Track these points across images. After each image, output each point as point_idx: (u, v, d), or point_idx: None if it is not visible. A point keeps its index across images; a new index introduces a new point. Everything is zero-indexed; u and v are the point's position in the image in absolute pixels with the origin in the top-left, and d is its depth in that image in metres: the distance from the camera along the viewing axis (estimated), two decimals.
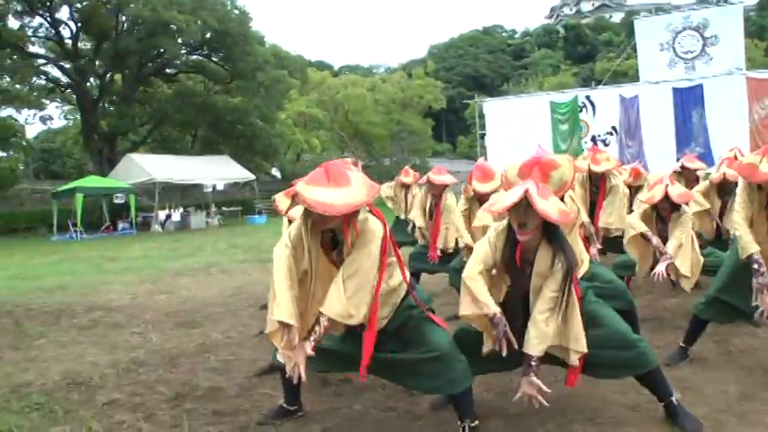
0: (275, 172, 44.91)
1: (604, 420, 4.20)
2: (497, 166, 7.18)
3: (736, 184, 6.36)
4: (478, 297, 3.78)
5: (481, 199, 6.81)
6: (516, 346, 3.77)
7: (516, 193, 3.69)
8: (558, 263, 3.79)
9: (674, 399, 4.10)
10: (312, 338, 3.57)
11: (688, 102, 22.86)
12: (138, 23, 33.56)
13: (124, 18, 34.03)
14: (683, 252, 6.08)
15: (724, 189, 7.49)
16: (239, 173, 33.94)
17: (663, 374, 4.12)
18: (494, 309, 3.75)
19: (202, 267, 13.53)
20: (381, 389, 4.83)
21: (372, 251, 3.69)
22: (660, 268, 5.85)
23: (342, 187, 3.53)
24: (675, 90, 23.05)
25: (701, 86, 22.79)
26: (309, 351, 3.53)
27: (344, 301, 3.58)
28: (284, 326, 3.52)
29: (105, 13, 33.09)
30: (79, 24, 34.10)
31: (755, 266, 4.65)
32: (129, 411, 4.70)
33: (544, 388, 3.74)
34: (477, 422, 3.96)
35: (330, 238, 3.84)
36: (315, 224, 3.69)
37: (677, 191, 6.14)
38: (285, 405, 4.39)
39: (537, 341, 3.77)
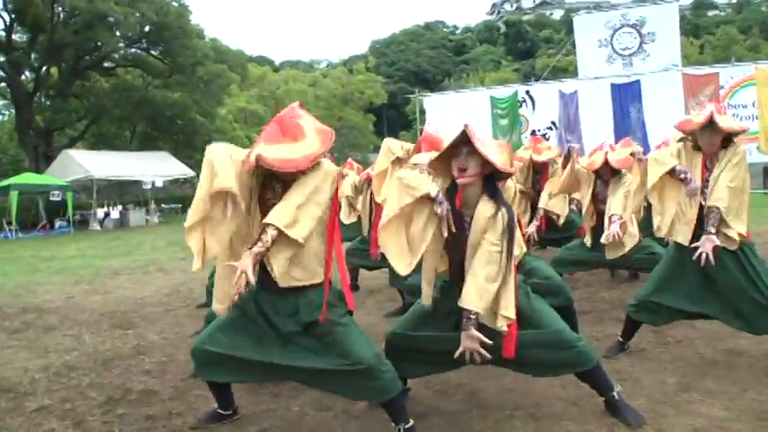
0: None
1: (544, 415, 4.19)
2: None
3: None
4: (411, 183, 3.69)
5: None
6: (454, 229, 3.70)
7: (456, 134, 3.70)
8: (498, 214, 3.72)
9: (614, 393, 4.10)
10: (258, 247, 3.38)
11: (626, 97, 23.21)
12: (74, 15, 32.67)
13: (60, 9, 33.11)
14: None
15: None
16: (179, 169, 33.44)
17: (602, 370, 4.11)
18: (430, 187, 3.66)
19: (140, 266, 13.30)
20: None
21: (328, 181, 3.62)
22: (614, 228, 5.94)
23: (298, 141, 3.54)
24: (614, 86, 23.37)
25: (638, 82, 23.14)
26: (255, 259, 3.35)
27: (293, 210, 3.45)
28: (226, 196, 3.35)
29: (40, 4, 32.19)
30: (13, 16, 33.19)
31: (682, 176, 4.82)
32: (59, 418, 4.53)
33: (485, 340, 3.63)
34: (411, 422, 3.87)
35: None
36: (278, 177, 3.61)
37: (616, 156, 6.31)
38: (220, 410, 4.26)
39: (476, 296, 3.64)
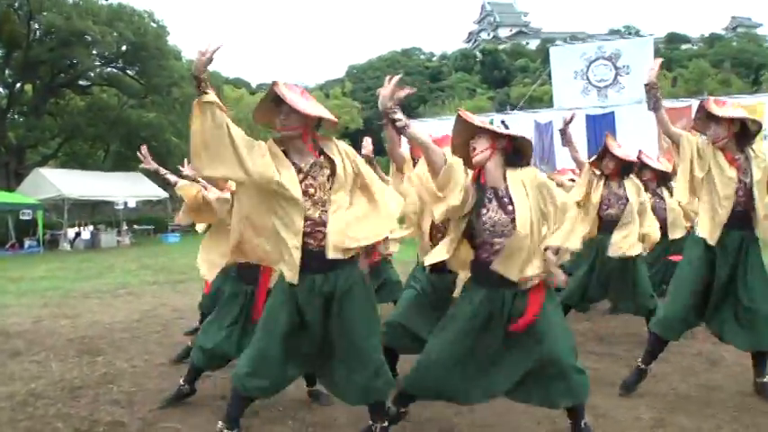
0: None
1: None
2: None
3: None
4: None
5: None
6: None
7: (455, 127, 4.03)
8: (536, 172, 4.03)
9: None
10: None
11: (600, 128, 23.30)
12: (50, 32, 32.48)
13: (37, 26, 32.91)
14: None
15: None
16: (152, 190, 33.15)
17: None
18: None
19: (110, 289, 13.10)
20: (291, 421, 4.66)
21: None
22: None
23: (311, 102, 3.90)
24: (588, 117, 23.52)
25: (612, 114, 23.35)
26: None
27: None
28: None
29: (17, 20, 32.08)
30: None
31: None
32: None
33: None
34: (386, 423, 4.10)
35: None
36: (281, 125, 3.87)
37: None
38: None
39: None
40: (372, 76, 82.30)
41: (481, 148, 3.94)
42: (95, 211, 34.96)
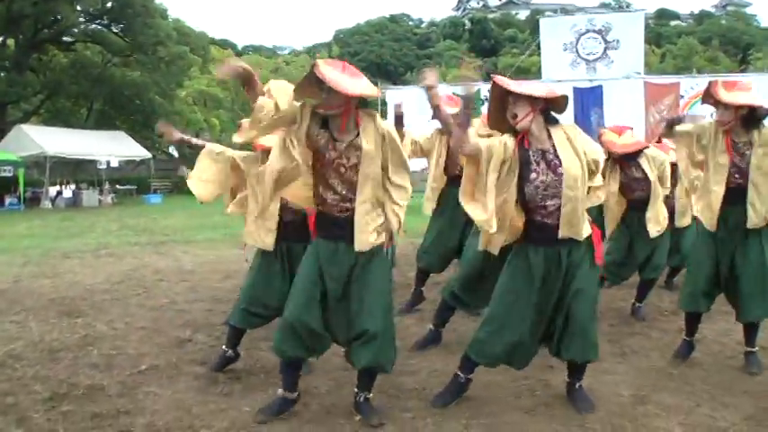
0: (172, 151, 43.75)
1: (500, 425, 4.18)
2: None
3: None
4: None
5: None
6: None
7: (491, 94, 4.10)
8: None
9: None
10: None
11: (588, 101, 23.28)
12: None
13: None
14: None
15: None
16: (135, 150, 32.87)
17: None
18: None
19: (91, 249, 12.96)
20: (272, 388, 4.61)
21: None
22: None
23: (354, 78, 3.86)
24: (576, 89, 23.37)
25: (600, 87, 23.27)
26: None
27: None
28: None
29: None
30: None
31: None
32: (1, 414, 4.35)
33: None
34: (371, 395, 4.23)
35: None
36: (319, 107, 3.88)
37: (626, 140, 6.64)
38: (285, 393, 4.23)
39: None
40: (360, 40, 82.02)
41: (522, 114, 3.97)
42: (78, 170, 34.55)
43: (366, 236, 3.97)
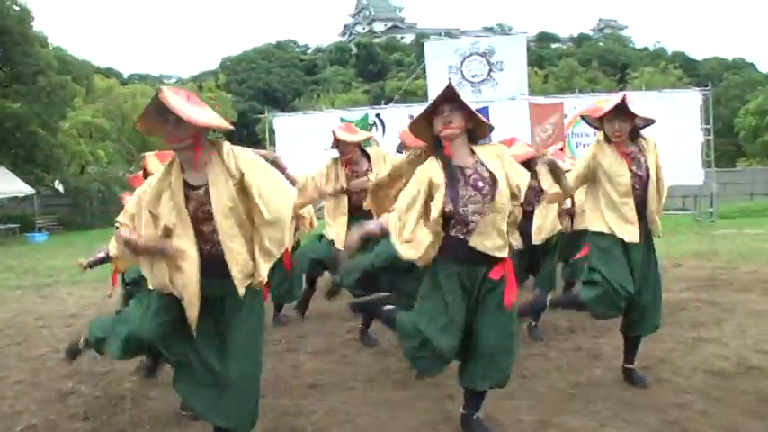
0: (58, 186, 42.31)
1: None
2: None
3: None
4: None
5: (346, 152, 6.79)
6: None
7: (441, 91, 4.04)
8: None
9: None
10: None
11: None
12: None
13: None
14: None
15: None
16: (17, 186, 31.37)
17: None
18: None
19: None
20: None
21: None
22: None
23: (200, 108, 3.64)
24: None
25: (486, 109, 23.52)
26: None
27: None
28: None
29: None
30: None
31: None
32: None
33: None
34: None
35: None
36: (169, 137, 3.60)
37: (516, 150, 6.45)
38: None
39: None
40: (247, 68, 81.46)
41: (457, 124, 4.01)
42: None
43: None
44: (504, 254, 4.09)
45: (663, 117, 19.64)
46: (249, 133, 66.54)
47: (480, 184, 3.98)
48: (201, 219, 3.68)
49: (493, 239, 4.01)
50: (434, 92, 24.80)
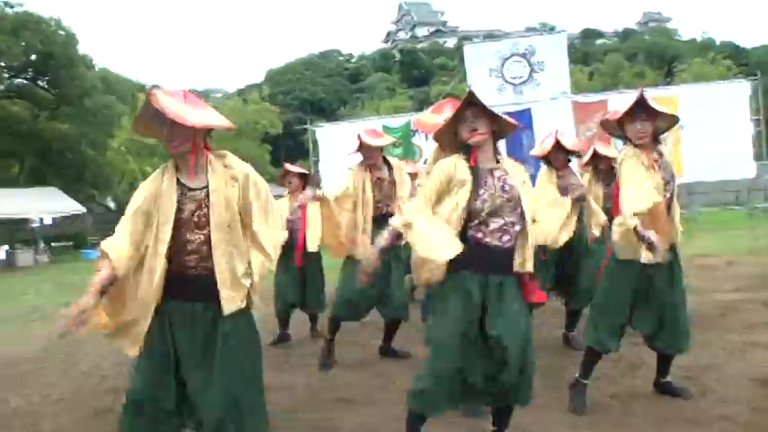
0: (110, 203, 42.93)
1: None
2: (331, 186, 6.83)
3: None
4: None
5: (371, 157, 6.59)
6: None
7: (457, 102, 4.06)
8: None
9: None
10: None
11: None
12: None
13: None
14: None
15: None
16: (69, 205, 32.13)
17: None
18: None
19: (23, 314, 12.43)
20: None
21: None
22: None
23: (197, 108, 3.48)
24: (505, 114, 23.52)
25: (529, 110, 23.31)
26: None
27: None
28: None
29: None
30: None
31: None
32: None
33: None
34: None
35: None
36: (167, 141, 3.51)
37: (569, 140, 6.34)
38: None
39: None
40: (291, 79, 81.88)
41: (483, 129, 3.92)
42: (13, 230, 33.77)
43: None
44: (527, 268, 3.96)
45: (710, 109, 19.52)
46: (296, 143, 66.98)
47: (507, 188, 3.89)
48: (195, 225, 3.52)
49: (521, 254, 3.92)
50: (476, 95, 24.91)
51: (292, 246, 7.86)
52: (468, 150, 3.97)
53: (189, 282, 3.54)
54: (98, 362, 7.67)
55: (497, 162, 4.00)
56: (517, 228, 3.88)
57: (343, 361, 6.81)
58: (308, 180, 8.21)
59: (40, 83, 35.92)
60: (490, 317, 3.82)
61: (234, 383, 3.53)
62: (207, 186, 3.53)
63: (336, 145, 27.31)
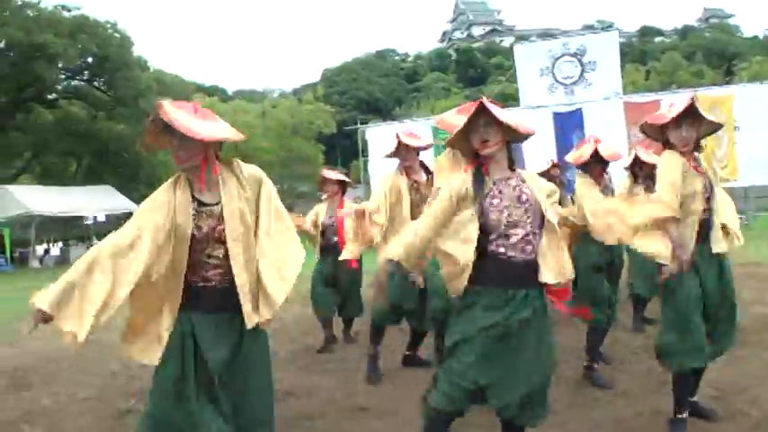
0: None
1: None
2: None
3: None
4: None
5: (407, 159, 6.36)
6: None
7: (472, 108, 3.68)
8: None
9: None
10: None
11: (569, 126, 22.98)
12: (11, 47, 32.19)
13: None
14: None
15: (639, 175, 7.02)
16: (122, 203, 32.62)
17: None
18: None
19: None
20: None
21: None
22: None
23: (207, 120, 3.42)
24: (556, 114, 23.11)
25: (580, 111, 22.99)
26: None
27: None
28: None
29: None
30: None
31: None
32: None
33: None
34: None
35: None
36: (175, 159, 3.46)
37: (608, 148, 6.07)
38: None
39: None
40: (347, 78, 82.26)
41: (494, 140, 3.67)
42: (68, 227, 34.48)
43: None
44: (557, 279, 3.66)
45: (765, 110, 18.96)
46: (352, 143, 67.20)
47: (524, 197, 3.66)
48: (216, 241, 3.47)
49: (547, 263, 3.64)
50: (527, 95, 24.63)
51: (328, 249, 7.88)
52: (479, 160, 3.79)
53: (214, 295, 3.52)
54: (127, 362, 7.69)
55: (512, 171, 3.76)
56: (539, 238, 3.66)
57: (365, 368, 6.66)
58: (346, 186, 8.23)
59: (96, 84, 36.71)
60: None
61: (255, 400, 3.56)
62: (221, 201, 3.49)
63: (386, 145, 27.20)
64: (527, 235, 3.63)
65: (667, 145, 4.56)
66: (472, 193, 3.69)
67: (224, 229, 3.45)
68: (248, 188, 3.54)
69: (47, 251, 29.25)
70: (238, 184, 3.53)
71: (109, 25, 35.14)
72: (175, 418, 3.45)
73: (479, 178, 3.72)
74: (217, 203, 3.48)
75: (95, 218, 30.33)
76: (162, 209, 3.46)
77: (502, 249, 3.65)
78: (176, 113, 3.31)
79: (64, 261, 28.41)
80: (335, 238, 7.82)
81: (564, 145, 23.53)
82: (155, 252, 3.39)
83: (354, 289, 8.11)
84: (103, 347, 8.47)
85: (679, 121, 4.41)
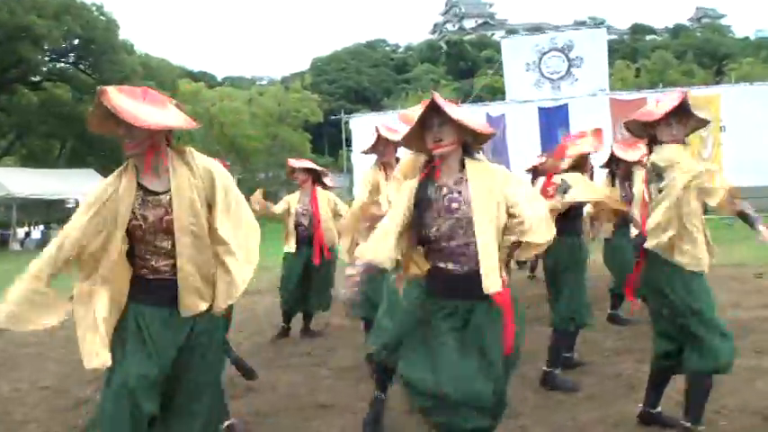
0: None
1: None
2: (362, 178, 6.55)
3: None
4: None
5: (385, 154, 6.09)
6: None
7: (424, 105, 3.47)
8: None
9: None
10: None
11: (554, 121, 22.98)
12: None
13: None
14: None
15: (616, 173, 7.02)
16: None
17: None
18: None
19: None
20: None
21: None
22: None
23: (156, 107, 3.24)
24: (541, 109, 23.14)
25: (566, 106, 23.02)
26: None
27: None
28: None
29: None
30: None
31: None
32: None
33: None
34: None
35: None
36: (123, 145, 3.25)
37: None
38: None
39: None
40: (336, 68, 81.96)
41: (448, 140, 3.44)
42: (50, 210, 34.25)
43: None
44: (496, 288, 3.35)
45: (753, 111, 18.99)
46: (339, 132, 67.00)
47: (455, 205, 3.43)
48: (165, 231, 3.31)
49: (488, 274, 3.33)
50: (513, 89, 24.61)
51: (302, 241, 7.80)
52: (432, 162, 3.57)
53: (164, 287, 3.36)
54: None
55: (461, 170, 3.52)
56: (477, 248, 3.36)
57: (329, 363, 6.65)
58: (318, 175, 8.13)
59: (81, 67, 36.46)
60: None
61: (205, 392, 3.43)
62: (170, 190, 3.32)
63: (370, 135, 27.07)
64: (461, 246, 3.43)
65: (653, 142, 4.45)
66: (412, 203, 3.52)
67: (171, 220, 3.29)
68: (201, 178, 3.36)
69: (27, 234, 29.00)
70: (190, 173, 3.35)
71: (95, 8, 34.99)
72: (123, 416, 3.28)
73: (427, 184, 3.53)
74: (165, 192, 3.31)
75: (77, 201, 30.00)
76: (104, 193, 3.30)
77: (441, 264, 3.49)
78: (121, 100, 3.12)
79: (45, 244, 27.78)
80: (311, 229, 7.78)
81: (549, 140, 23.54)
82: (89, 227, 3.29)
83: (324, 285, 8.00)
84: (74, 335, 8.39)
85: (669, 117, 4.31)
